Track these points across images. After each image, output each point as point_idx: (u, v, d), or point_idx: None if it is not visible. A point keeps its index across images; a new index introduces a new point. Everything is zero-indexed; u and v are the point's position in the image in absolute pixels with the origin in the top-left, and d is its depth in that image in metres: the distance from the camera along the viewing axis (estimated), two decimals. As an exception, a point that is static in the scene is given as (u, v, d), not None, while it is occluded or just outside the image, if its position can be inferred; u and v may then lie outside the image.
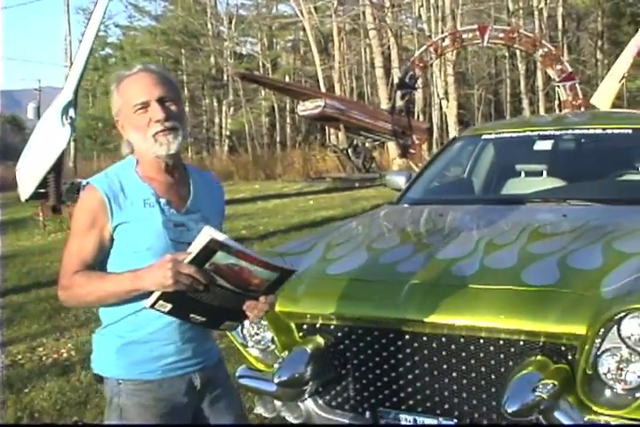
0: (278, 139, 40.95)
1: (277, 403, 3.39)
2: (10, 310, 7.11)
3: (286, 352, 3.20)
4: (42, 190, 13.05)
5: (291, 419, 3.38)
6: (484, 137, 5.11)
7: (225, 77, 40.80)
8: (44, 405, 4.49)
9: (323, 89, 33.91)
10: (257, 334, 3.38)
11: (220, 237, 1.96)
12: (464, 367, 2.89)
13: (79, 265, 2.14)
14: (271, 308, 2.16)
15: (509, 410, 2.61)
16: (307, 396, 3.24)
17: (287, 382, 3.08)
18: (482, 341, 2.86)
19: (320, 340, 3.16)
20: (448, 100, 28.87)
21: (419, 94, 34.78)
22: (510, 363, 2.82)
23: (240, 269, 2.01)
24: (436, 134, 32.04)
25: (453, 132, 26.86)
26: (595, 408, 2.69)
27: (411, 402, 3.02)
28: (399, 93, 19.50)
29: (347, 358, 3.14)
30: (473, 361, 2.88)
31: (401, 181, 5.04)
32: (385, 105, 26.56)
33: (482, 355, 2.86)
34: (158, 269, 1.99)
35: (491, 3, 33.10)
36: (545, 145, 4.69)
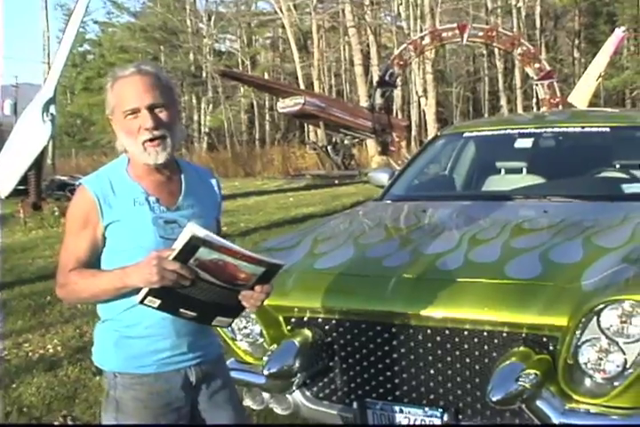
0: (257, 136, 40.95)
1: (266, 395, 3.45)
2: (-7, 307, 7.12)
3: (275, 345, 3.26)
4: (22, 187, 13.01)
5: (279, 411, 3.45)
6: (465, 135, 5.21)
7: (204, 74, 40.74)
8: (33, 400, 4.52)
9: (302, 86, 33.95)
10: (245, 328, 3.44)
11: (202, 233, 2.01)
12: (449, 359, 2.98)
13: (74, 263, 2.20)
14: (267, 297, 2.20)
15: (494, 399, 2.70)
16: (295, 388, 3.30)
17: (276, 374, 3.15)
18: (466, 333, 2.94)
19: (308, 333, 3.23)
20: (427, 98, 29.05)
21: (397, 92, 34.94)
22: (494, 354, 2.90)
23: (224, 263, 2.05)
24: (414, 132, 32.20)
25: (432, 129, 27.04)
26: (575, 397, 2.79)
27: (397, 393, 3.09)
28: (379, 91, 19.60)
29: (334, 351, 3.21)
30: (458, 352, 2.96)
31: (384, 178, 5.12)
32: (364, 102, 26.64)
33: (466, 346, 2.95)
34: (144, 267, 2.04)
35: (469, 1, 33.29)
36: (525, 143, 4.79)
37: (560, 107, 17.70)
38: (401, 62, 19.01)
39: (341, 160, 24.22)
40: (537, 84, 18.95)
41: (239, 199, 17.54)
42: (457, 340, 2.96)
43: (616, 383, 2.72)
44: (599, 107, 26.41)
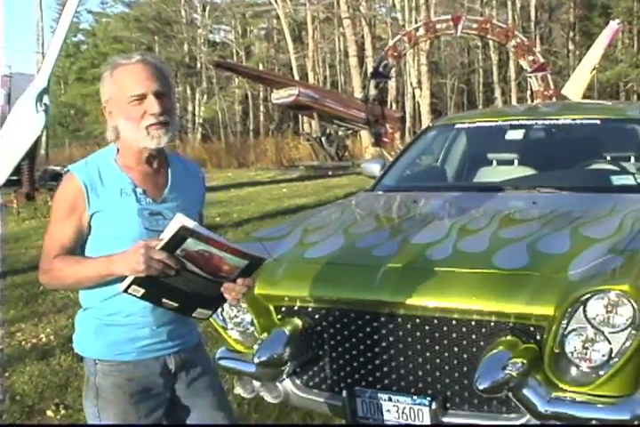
0: (251, 127, 40.91)
1: (256, 383, 3.49)
2: (-14, 297, 7.14)
3: (265, 334, 3.29)
4: (15, 178, 12.97)
5: (269, 399, 3.48)
6: (457, 126, 5.23)
7: (198, 65, 40.63)
8: (25, 388, 4.54)
9: (296, 77, 33.89)
10: (236, 317, 3.47)
11: (191, 224, 2.04)
12: (437, 347, 3.01)
13: (59, 250, 2.22)
14: (248, 290, 2.23)
15: (480, 387, 2.74)
16: (285, 376, 3.34)
17: (266, 362, 3.18)
18: (454, 322, 2.97)
19: (298, 322, 3.26)
20: (421, 90, 29.04)
21: (392, 83, 34.92)
22: (481, 343, 2.94)
23: (210, 255, 2.08)
24: (408, 123, 32.20)
25: (426, 121, 27.03)
26: (561, 385, 2.83)
27: (386, 381, 3.13)
28: (373, 82, 19.59)
29: (324, 340, 3.25)
30: (446, 341, 3.00)
31: (376, 169, 5.15)
32: (358, 94, 26.62)
33: (454, 335, 2.98)
34: (131, 255, 2.06)
35: (464, -7, 33.27)
36: (516, 134, 4.82)
37: (554, 99, 17.74)
38: (395, 54, 19.00)
39: (335, 151, 24.20)
40: (530, 77, 18.97)
41: (232, 190, 17.54)
42: (445, 329, 2.99)
43: (601, 372, 2.76)
44: (593, 99, 26.45)
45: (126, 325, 2.27)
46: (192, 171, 2.49)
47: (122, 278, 2.12)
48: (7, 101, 21.08)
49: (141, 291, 2.11)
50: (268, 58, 43.84)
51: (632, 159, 4.70)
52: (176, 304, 2.19)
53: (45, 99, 12.51)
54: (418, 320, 3.03)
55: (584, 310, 2.74)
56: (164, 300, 2.17)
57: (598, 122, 4.70)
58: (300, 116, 34.65)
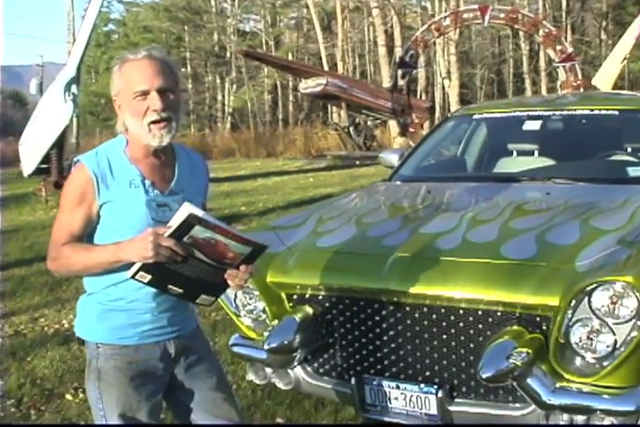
0: (281, 116, 40.88)
1: (268, 370, 3.54)
2: (13, 283, 7.27)
3: (276, 321, 3.35)
4: (44, 166, 13.14)
5: (281, 385, 3.54)
6: (475, 117, 5.23)
7: (228, 55, 40.66)
8: (46, 372, 4.65)
9: (325, 67, 33.84)
10: (249, 304, 3.52)
11: (199, 212, 2.11)
12: (444, 336, 3.04)
13: (68, 238, 2.28)
14: (250, 277, 2.30)
15: (484, 376, 2.77)
16: (296, 363, 3.39)
17: (276, 349, 3.23)
18: (461, 311, 3.00)
19: (309, 309, 3.31)
20: (450, 80, 28.85)
21: (421, 73, 34.74)
22: (488, 333, 2.96)
23: (216, 242, 2.15)
24: (438, 113, 32.02)
25: (455, 111, 26.81)
26: (566, 376, 2.84)
27: (394, 369, 3.17)
28: (399, 72, 19.52)
29: (334, 327, 3.29)
30: (453, 330, 3.03)
31: (394, 159, 5.17)
32: (387, 84, 26.52)
33: (461, 325, 3.01)
34: (140, 242, 2.12)
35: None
36: (534, 125, 4.81)
37: (581, 89, 17.56)
38: (422, 43, 18.90)
39: (363, 141, 24.16)
40: (558, 67, 18.77)
41: (259, 179, 17.64)
42: (452, 318, 3.02)
43: (605, 363, 2.76)
44: (624, 90, 26.12)
45: (129, 310, 2.34)
46: (196, 162, 2.55)
47: (128, 265, 2.18)
48: (39, 91, 21.37)
49: (148, 277, 2.18)
50: (297, 47, 43.77)
51: (651, 150, 4.67)
52: (181, 290, 2.25)
53: (73, 88, 12.71)
54: (425, 309, 3.06)
55: (589, 301, 2.75)
56: (170, 286, 2.23)
57: (617, 113, 4.67)
58: (329, 106, 34.59)
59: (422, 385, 3.08)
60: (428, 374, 3.10)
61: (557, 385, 2.83)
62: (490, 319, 2.97)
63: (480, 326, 2.98)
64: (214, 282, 2.26)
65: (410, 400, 3.12)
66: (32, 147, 12.97)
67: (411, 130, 18.66)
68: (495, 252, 3.10)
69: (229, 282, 2.26)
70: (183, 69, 43.33)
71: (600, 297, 2.74)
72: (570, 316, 2.78)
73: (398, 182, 4.74)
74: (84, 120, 39.31)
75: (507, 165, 4.81)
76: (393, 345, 3.15)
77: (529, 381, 2.82)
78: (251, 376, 3.66)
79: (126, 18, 45.70)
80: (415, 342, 3.10)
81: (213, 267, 2.21)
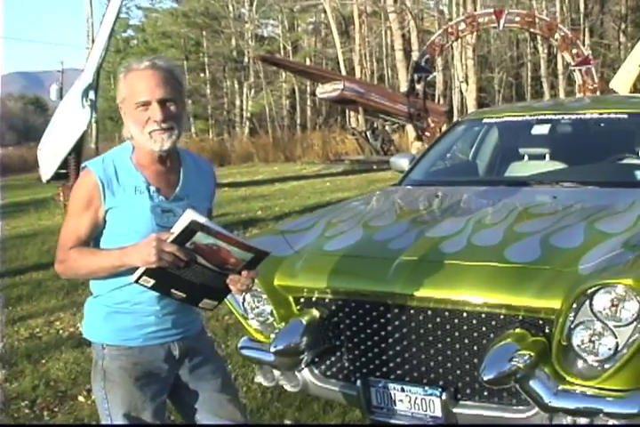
0: (299, 121, 40.99)
1: (276, 372, 3.59)
2: (30, 287, 7.38)
3: (284, 324, 3.39)
4: (63, 171, 13.26)
5: (288, 387, 3.58)
6: (484, 121, 5.25)
7: (246, 60, 40.81)
8: (60, 374, 4.73)
9: (343, 72, 33.89)
10: (257, 307, 3.57)
11: (201, 219, 2.17)
12: (449, 339, 3.07)
13: (74, 241, 2.34)
14: (253, 282, 2.35)
15: (485, 378, 2.80)
16: (303, 366, 3.43)
17: (283, 351, 3.28)
18: (465, 314, 3.03)
19: (315, 312, 3.35)
20: (467, 84, 28.80)
21: (439, 77, 34.68)
22: (492, 335, 2.98)
23: (218, 248, 2.21)
24: (456, 117, 31.97)
25: (472, 115, 26.73)
26: (568, 378, 2.86)
27: (399, 372, 3.20)
28: (415, 76, 19.53)
29: (340, 330, 3.33)
30: (457, 333, 3.05)
31: (404, 164, 5.20)
32: (405, 88, 26.53)
33: (465, 327, 3.04)
34: (143, 247, 2.18)
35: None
36: (542, 129, 4.82)
37: (598, 92, 17.48)
38: (436, 48, 18.91)
39: (380, 145, 24.19)
40: (574, 70, 18.71)
41: (277, 184, 17.73)
42: (456, 321, 3.05)
43: (607, 366, 2.78)
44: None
45: (134, 312, 2.39)
46: (203, 168, 2.59)
47: (133, 269, 2.24)
48: (59, 96, 21.58)
49: (152, 282, 2.23)
50: (315, 52, 43.87)
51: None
52: (184, 295, 2.30)
53: (91, 94, 12.81)
54: (430, 312, 3.09)
55: (590, 304, 2.76)
56: (173, 290, 2.28)
57: (626, 116, 4.68)
58: (347, 111, 34.64)
59: (427, 388, 3.11)
60: (432, 376, 3.13)
61: (560, 388, 2.85)
62: (493, 322, 2.99)
63: (484, 328, 3.01)
64: (217, 287, 2.31)
65: (415, 402, 3.15)
66: (50, 152, 13.10)
67: (427, 134, 18.66)
68: (499, 255, 3.12)
69: (231, 287, 2.31)
70: (202, 75, 43.62)
71: (601, 300, 2.75)
72: (572, 318, 2.79)
73: (408, 186, 4.77)
74: (103, 125, 39.63)
75: (515, 169, 4.82)
76: (398, 348, 3.18)
77: (531, 383, 2.84)
78: (259, 378, 3.70)
79: (145, 24, 46.02)
80: (420, 345, 3.13)
81: (216, 272, 2.26)
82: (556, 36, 18.18)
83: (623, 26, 36.45)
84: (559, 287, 2.87)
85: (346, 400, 3.44)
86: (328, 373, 3.45)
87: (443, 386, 3.09)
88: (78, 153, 13.33)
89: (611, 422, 2.84)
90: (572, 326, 2.80)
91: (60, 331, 5.75)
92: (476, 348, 3.02)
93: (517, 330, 2.93)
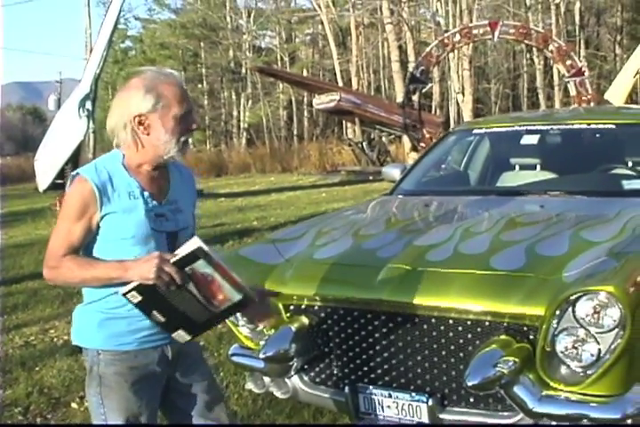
0: (295, 132, 41.13)
1: (266, 379, 3.63)
2: (25, 295, 7.42)
3: (273, 331, 3.44)
4: (59, 181, 13.33)
5: (278, 394, 3.62)
6: (475, 131, 5.33)
7: (243, 71, 40.99)
8: (53, 381, 4.76)
9: (340, 83, 34.08)
10: (248, 315, 3.61)
11: (207, 248, 2.24)
12: (435, 346, 3.11)
13: (67, 249, 2.37)
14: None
15: (470, 383, 2.84)
16: (293, 372, 3.47)
17: (272, 357, 3.32)
18: (451, 321, 3.07)
19: (305, 320, 3.39)
20: (464, 95, 28.93)
21: (436, 89, 34.84)
22: (477, 342, 3.02)
23: (212, 280, 2.26)
24: (451, 129, 32.04)
25: (469, 126, 26.82)
26: (552, 384, 2.90)
27: (386, 378, 3.24)
28: (410, 88, 19.64)
29: (329, 337, 3.37)
30: (443, 340, 3.09)
31: (396, 174, 5.26)
32: (401, 99, 26.65)
33: (451, 334, 3.08)
34: (145, 263, 2.23)
35: (508, -3, 33.04)
36: (531, 140, 4.88)
37: (592, 104, 17.57)
38: (431, 59, 19.01)
39: (376, 156, 24.31)
40: (569, 82, 18.81)
41: (273, 194, 17.80)
42: (442, 328, 3.09)
43: (590, 372, 2.82)
44: (638, 104, 26.08)
45: (128, 317, 2.42)
46: (186, 175, 2.67)
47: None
48: (58, 107, 21.68)
49: (139, 298, 2.26)
50: (312, 63, 44.07)
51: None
52: (163, 319, 2.32)
53: (88, 104, 12.92)
54: (416, 319, 3.13)
55: (573, 311, 2.81)
56: (155, 312, 2.31)
57: (614, 126, 4.74)
58: (344, 122, 34.78)
59: (414, 394, 3.15)
60: (419, 382, 3.17)
61: (544, 393, 2.89)
62: (479, 329, 3.03)
63: (469, 335, 3.05)
64: (196, 320, 2.33)
65: (402, 409, 3.19)
66: (47, 162, 13.18)
67: (422, 145, 18.69)
68: (485, 263, 3.17)
69: (257, 322, 2.66)
70: (199, 85, 43.74)
71: (584, 307, 2.79)
72: (555, 325, 2.84)
73: (399, 196, 4.82)
74: (100, 135, 39.73)
75: (505, 179, 4.88)
76: (385, 354, 3.22)
77: (516, 389, 2.88)
78: (250, 385, 3.74)
79: (143, 34, 46.17)
80: (407, 352, 3.17)
81: (200, 304, 2.29)
82: (551, 47, 18.28)
83: (619, 37, 36.69)
84: (543, 294, 2.91)
85: (335, 406, 3.47)
86: (317, 379, 3.49)
87: (429, 392, 3.13)
88: (75, 163, 13.40)
89: (594, 428, 2.89)
90: (556, 333, 2.85)
91: (55, 339, 5.79)
92: (462, 354, 3.06)
93: (502, 337, 2.97)
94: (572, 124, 4.88)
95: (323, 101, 23.05)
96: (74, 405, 4.35)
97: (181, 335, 2.36)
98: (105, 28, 12.82)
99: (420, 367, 3.16)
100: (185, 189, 2.61)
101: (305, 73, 40.67)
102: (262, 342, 3.42)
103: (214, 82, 44.00)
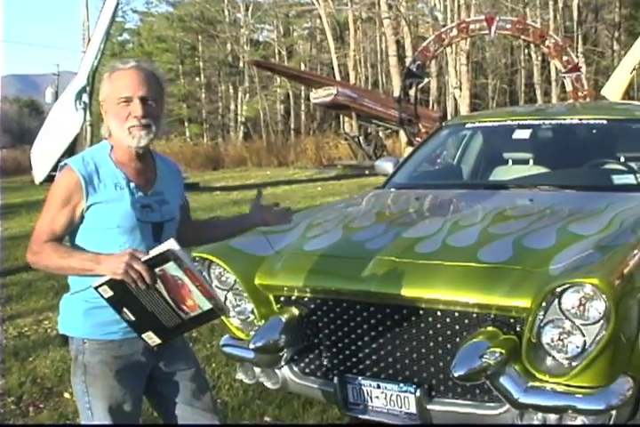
0: (292, 126, 41.11)
1: (257, 370, 3.66)
2: (20, 287, 7.43)
3: (264, 321, 3.47)
4: (55, 173, 13.33)
5: (269, 385, 3.66)
6: (467, 126, 5.35)
7: (241, 64, 40.91)
8: (46, 371, 4.79)
9: (338, 77, 34.04)
10: (238, 305, 3.64)
11: (180, 252, 2.24)
12: (423, 337, 3.15)
13: (49, 235, 2.41)
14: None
15: (456, 374, 2.87)
16: (283, 363, 3.50)
17: (261, 348, 3.35)
18: (439, 313, 3.11)
19: (295, 311, 3.43)
20: (461, 90, 28.95)
21: (433, 84, 34.84)
22: (464, 333, 3.06)
23: (182, 284, 2.27)
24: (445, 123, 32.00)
25: (466, 121, 26.83)
26: (538, 375, 2.93)
27: (375, 369, 3.28)
28: (406, 82, 19.66)
29: (318, 328, 3.40)
30: (431, 331, 3.13)
31: (389, 167, 5.29)
32: (398, 93, 26.67)
33: (439, 326, 3.12)
34: (115, 259, 2.25)
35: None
36: (523, 134, 4.90)
37: (587, 99, 17.59)
38: (428, 54, 19.01)
39: (373, 151, 24.32)
40: (564, 77, 18.83)
41: (269, 188, 17.78)
42: (430, 319, 3.13)
43: (575, 363, 2.85)
44: (635, 100, 26.14)
45: None
46: (172, 169, 2.70)
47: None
48: (55, 99, 21.69)
49: (110, 293, 2.27)
50: (310, 57, 44.03)
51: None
52: (133, 318, 2.32)
53: (84, 97, 12.94)
54: (404, 311, 3.16)
55: (559, 303, 2.84)
56: (125, 309, 2.30)
57: (605, 122, 4.77)
58: (341, 116, 34.79)
59: (402, 385, 3.18)
60: (407, 373, 3.20)
61: (529, 384, 2.92)
62: (466, 321, 3.07)
63: (457, 327, 3.08)
64: (166, 324, 2.33)
65: (390, 399, 3.22)
66: (43, 155, 13.20)
67: (418, 139, 18.71)
68: (472, 255, 3.20)
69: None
70: (197, 79, 43.69)
71: (569, 299, 2.83)
72: (541, 317, 2.87)
73: (391, 189, 4.85)
74: (97, 128, 39.65)
75: (497, 173, 4.92)
76: (374, 346, 3.25)
77: (501, 380, 2.92)
78: (240, 375, 3.78)
79: (141, 28, 46.08)
80: (395, 343, 3.20)
81: (169, 307, 2.29)
82: (547, 43, 18.28)
83: (616, 34, 36.70)
84: (529, 287, 2.94)
85: (324, 397, 3.51)
86: (307, 370, 3.52)
87: (417, 383, 3.17)
88: (71, 155, 13.38)
89: (579, 418, 2.92)
90: (542, 325, 2.88)
91: (49, 330, 5.81)
92: (449, 346, 3.10)
93: (489, 328, 3.00)
94: (564, 120, 4.90)
95: (320, 95, 23.05)
96: (66, 395, 4.37)
97: (151, 337, 2.35)
98: (102, 20, 12.82)
99: (408, 358, 3.19)
100: (171, 182, 2.63)
101: (302, 67, 40.63)
102: (252, 333, 3.45)
103: (211, 75, 43.91)
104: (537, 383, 2.93)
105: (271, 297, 3.55)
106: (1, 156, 31.90)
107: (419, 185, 4.83)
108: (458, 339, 3.07)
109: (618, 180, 4.43)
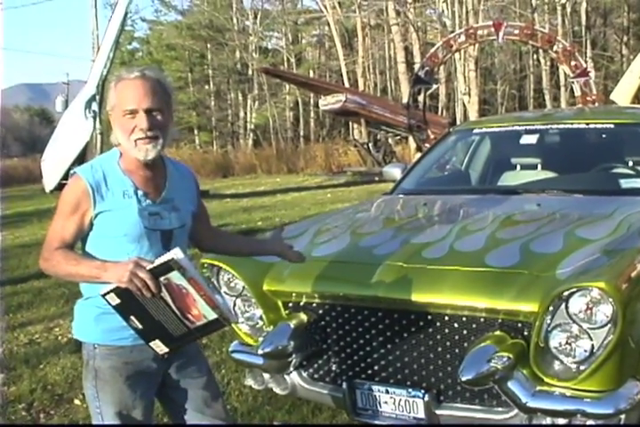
0: (302, 133, 41.18)
1: (266, 375, 3.67)
2: (31, 295, 7.49)
3: (272, 327, 3.48)
4: (65, 182, 13.40)
5: (277, 390, 3.67)
6: (475, 131, 5.37)
7: (250, 72, 41.05)
8: (57, 378, 4.82)
9: (347, 84, 34.09)
10: (247, 311, 3.66)
11: (184, 261, 2.24)
12: (431, 342, 3.15)
13: (60, 243, 2.43)
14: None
15: (464, 378, 2.88)
16: (292, 369, 3.51)
17: (270, 353, 3.37)
18: (447, 318, 3.11)
19: (303, 316, 3.44)
20: (470, 96, 28.94)
21: (442, 90, 34.84)
22: (472, 338, 3.06)
23: (187, 293, 2.27)
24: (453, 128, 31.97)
25: (475, 127, 26.82)
26: (546, 380, 2.93)
27: (383, 374, 3.28)
28: (415, 88, 19.69)
29: (327, 334, 3.41)
30: (439, 336, 3.14)
31: (397, 173, 5.30)
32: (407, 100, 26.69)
33: (447, 330, 3.12)
34: (121, 266, 2.25)
35: (513, -2, 33.05)
36: (530, 139, 4.91)
37: (596, 104, 17.57)
38: (436, 60, 19.04)
39: (382, 157, 24.33)
40: (573, 82, 18.83)
41: (278, 195, 17.86)
42: (438, 324, 3.13)
43: (583, 367, 2.85)
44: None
45: None
46: (184, 173, 2.70)
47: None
48: (65, 108, 21.82)
49: (117, 301, 2.28)
50: (318, 64, 44.12)
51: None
52: (140, 326, 2.33)
53: (94, 105, 13.02)
54: (412, 316, 3.17)
55: (566, 307, 2.84)
56: (132, 317, 2.32)
57: (612, 126, 4.78)
58: (350, 123, 34.83)
59: (410, 390, 3.19)
60: (415, 378, 3.21)
61: (537, 389, 2.92)
62: (474, 325, 3.07)
63: (465, 331, 3.09)
64: (172, 332, 2.33)
65: (399, 404, 3.23)
66: (53, 163, 13.27)
67: (427, 145, 18.73)
68: (480, 260, 3.21)
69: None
70: (206, 87, 43.83)
71: (577, 303, 2.83)
72: (549, 321, 2.87)
73: (399, 195, 4.86)
74: (107, 136, 39.83)
75: (505, 178, 4.92)
76: (382, 351, 3.26)
77: (510, 384, 2.92)
78: (249, 381, 3.79)
79: (150, 36, 46.28)
80: (403, 348, 3.21)
81: (175, 316, 2.30)
82: (555, 48, 18.29)
83: (625, 38, 36.63)
84: (537, 291, 2.95)
85: (333, 402, 3.52)
86: (315, 375, 3.53)
87: (426, 388, 3.17)
88: (81, 164, 13.42)
89: (588, 422, 2.92)
90: (549, 329, 2.88)
91: (59, 337, 5.84)
92: (457, 350, 3.10)
93: (497, 332, 3.01)
94: (571, 124, 4.91)
95: (329, 102, 23.08)
96: (77, 401, 4.40)
97: (158, 346, 2.36)
98: (111, 28, 12.91)
99: (417, 364, 3.20)
100: (183, 187, 2.64)
101: (311, 74, 40.72)
102: (261, 339, 3.46)
103: (221, 83, 44.06)
104: (545, 388, 2.93)
105: (280, 303, 3.56)
106: (1, 165, 32.02)
107: (426, 191, 4.85)
108: (466, 344, 3.08)
109: (625, 184, 4.43)
